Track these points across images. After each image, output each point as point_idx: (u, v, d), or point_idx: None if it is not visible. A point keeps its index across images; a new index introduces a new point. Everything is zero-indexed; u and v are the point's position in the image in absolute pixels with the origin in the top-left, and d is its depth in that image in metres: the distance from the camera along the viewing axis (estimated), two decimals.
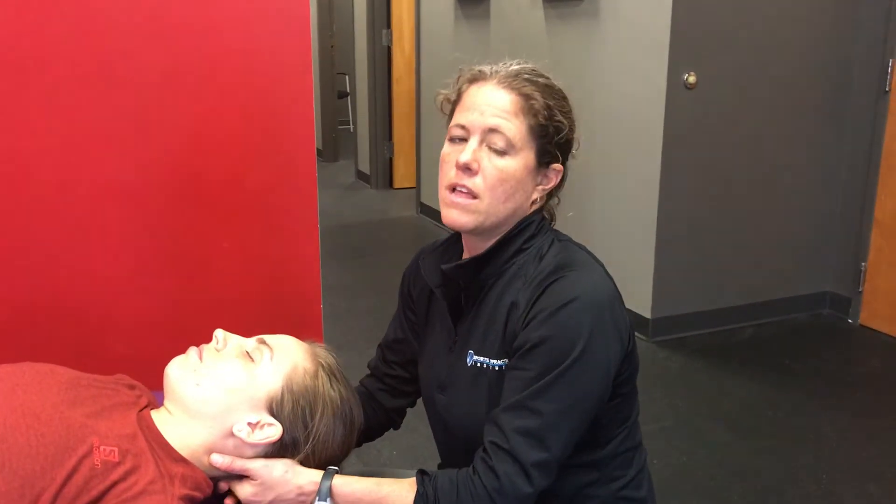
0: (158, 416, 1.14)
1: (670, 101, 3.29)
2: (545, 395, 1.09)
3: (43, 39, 1.44)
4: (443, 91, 1.25)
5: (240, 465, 1.13)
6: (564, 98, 1.21)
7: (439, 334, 1.31)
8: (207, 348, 1.17)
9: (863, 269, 3.69)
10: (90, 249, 1.54)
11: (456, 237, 1.31)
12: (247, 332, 1.23)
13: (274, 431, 1.13)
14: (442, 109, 1.25)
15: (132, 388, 1.23)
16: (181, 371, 1.14)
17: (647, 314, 3.53)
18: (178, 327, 1.61)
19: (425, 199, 5.76)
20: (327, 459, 1.18)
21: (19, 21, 1.42)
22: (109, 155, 1.52)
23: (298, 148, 1.66)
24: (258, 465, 1.14)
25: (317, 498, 1.12)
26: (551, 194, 1.25)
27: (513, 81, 1.17)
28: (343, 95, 8.11)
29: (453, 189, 1.17)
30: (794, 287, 3.81)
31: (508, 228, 1.20)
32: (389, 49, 6.36)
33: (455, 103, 1.22)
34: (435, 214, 5.44)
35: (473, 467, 1.11)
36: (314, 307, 1.74)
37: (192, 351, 1.16)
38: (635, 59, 3.44)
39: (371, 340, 1.49)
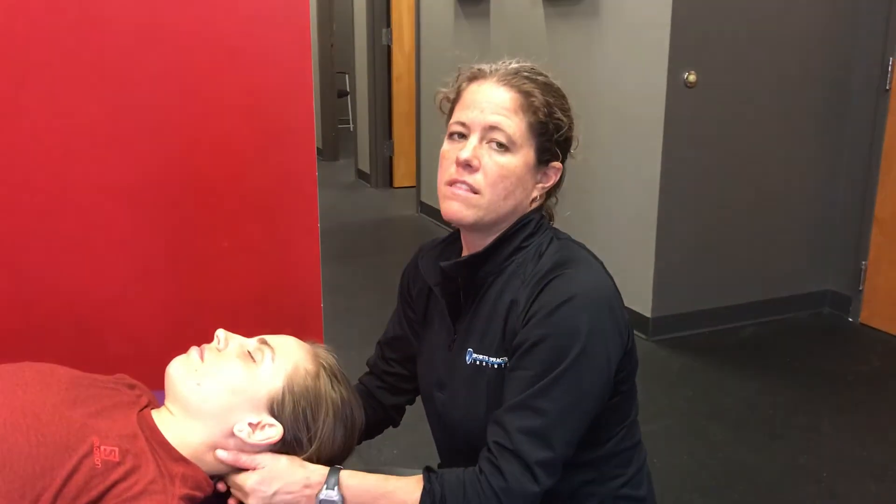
0: (159, 416, 1.14)
1: (670, 100, 3.29)
2: (548, 394, 1.09)
3: (43, 39, 1.44)
4: (442, 89, 1.25)
5: (246, 458, 1.13)
6: (563, 96, 1.21)
7: (438, 332, 1.31)
8: (209, 348, 1.17)
9: (863, 267, 3.69)
10: (90, 249, 1.54)
11: (455, 235, 1.31)
12: (247, 331, 1.23)
13: (275, 432, 1.13)
14: (441, 108, 1.26)
15: (132, 387, 1.22)
16: (182, 371, 1.14)
17: (648, 313, 3.53)
18: (178, 326, 1.61)
19: (425, 198, 5.75)
20: (328, 460, 1.18)
21: (19, 21, 1.42)
22: (110, 155, 1.52)
23: (298, 147, 1.66)
24: (264, 456, 1.14)
25: (324, 487, 1.11)
26: (550, 193, 1.25)
27: (512, 79, 1.17)
28: (343, 94, 8.11)
29: (453, 184, 1.17)
30: (794, 286, 3.81)
31: (508, 226, 1.20)
32: (389, 48, 6.36)
33: (455, 101, 1.22)
34: (435, 213, 5.43)
35: (479, 467, 1.11)
36: (314, 306, 1.74)
37: (194, 351, 1.16)
38: (635, 58, 3.43)
39: (371, 340, 1.49)
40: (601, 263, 1.21)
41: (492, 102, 1.16)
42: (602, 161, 3.67)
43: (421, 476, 1.12)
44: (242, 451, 1.13)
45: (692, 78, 3.29)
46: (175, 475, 1.07)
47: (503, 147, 1.15)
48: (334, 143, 7.65)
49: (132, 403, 1.16)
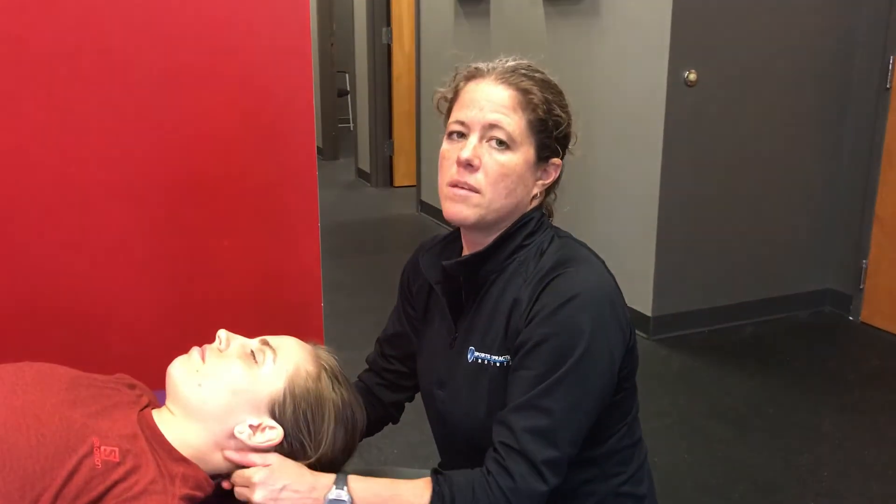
0: (159, 416, 1.14)
1: (671, 99, 3.29)
2: (552, 393, 1.09)
3: (43, 39, 1.43)
4: (439, 89, 1.25)
5: (254, 456, 1.12)
6: (561, 92, 1.21)
7: (439, 330, 1.31)
8: (210, 349, 1.17)
9: (864, 266, 3.69)
10: (91, 248, 1.54)
11: (455, 234, 1.31)
12: (247, 330, 1.23)
13: (275, 434, 1.13)
14: (438, 108, 1.25)
15: (133, 387, 1.22)
16: (183, 371, 1.13)
17: (648, 312, 3.52)
18: (178, 326, 1.61)
19: (425, 198, 5.75)
20: (329, 462, 1.18)
21: (19, 21, 1.41)
22: (110, 154, 1.52)
23: (298, 146, 1.66)
24: (272, 455, 1.13)
25: (333, 486, 1.10)
26: (549, 190, 1.25)
27: (510, 77, 1.17)
28: (343, 93, 8.10)
29: (454, 185, 1.17)
30: (795, 284, 3.81)
31: (509, 224, 1.20)
32: (389, 47, 6.36)
33: (452, 101, 1.22)
34: (435, 212, 5.43)
35: (487, 468, 1.10)
36: (314, 305, 1.74)
37: (195, 351, 1.16)
38: (636, 57, 3.43)
39: (372, 339, 1.49)
40: (602, 262, 1.21)
41: (490, 101, 1.15)
42: (602, 160, 3.67)
43: (428, 479, 1.12)
44: (243, 452, 1.13)
45: (692, 77, 3.28)
46: (175, 475, 1.07)
47: (503, 145, 1.15)
48: (334, 143, 7.65)
49: (132, 403, 1.16)
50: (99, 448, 1.02)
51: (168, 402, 1.15)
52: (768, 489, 2.43)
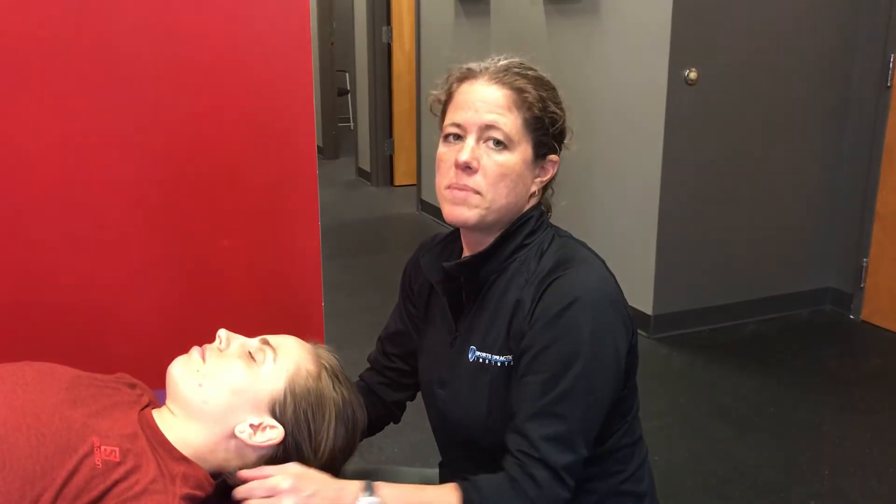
0: (160, 416, 1.14)
1: (671, 98, 3.29)
2: (566, 399, 1.10)
3: (43, 39, 1.43)
4: (433, 92, 1.25)
5: (271, 468, 1.10)
6: (555, 88, 1.21)
7: (439, 329, 1.31)
8: (210, 348, 1.17)
9: (864, 264, 3.69)
10: (91, 248, 1.54)
11: (455, 234, 1.31)
12: (247, 330, 1.23)
13: (276, 434, 1.13)
14: (432, 110, 1.25)
15: (133, 386, 1.22)
16: (184, 371, 1.13)
17: (649, 311, 3.52)
18: (178, 325, 1.61)
19: (426, 196, 5.75)
20: (330, 462, 1.18)
21: (19, 21, 1.41)
22: (110, 153, 1.51)
23: (299, 145, 1.66)
24: (293, 465, 1.11)
25: (362, 492, 1.07)
26: (546, 185, 1.25)
27: (504, 76, 1.16)
28: (343, 93, 8.10)
29: (453, 187, 1.16)
30: (795, 283, 3.81)
31: (509, 224, 1.20)
32: (389, 46, 6.35)
33: (446, 103, 1.21)
34: (436, 211, 5.43)
35: (511, 475, 1.10)
36: (315, 305, 1.74)
37: (195, 351, 1.16)
38: (636, 56, 3.43)
39: (372, 338, 1.49)
40: (602, 261, 1.21)
41: (485, 101, 1.15)
42: (603, 158, 3.67)
43: (455, 485, 1.11)
44: (243, 452, 1.13)
45: (693, 75, 3.28)
46: (176, 475, 1.07)
47: (501, 145, 1.15)
48: (335, 142, 7.65)
49: (133, 403, 1.16)
50: (99, 448, 1.02)
51: (168, 401, 1.15)
52: (769, 488, 2.43)
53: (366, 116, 6.64)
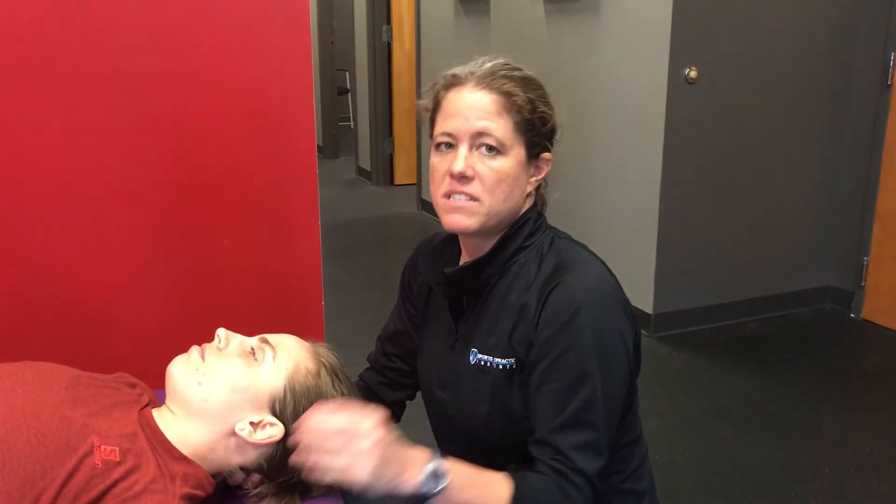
0: (160, 415, 1.14)
1: (671, 96, 3.28)
2: (589, 407, 1.10)
3: (43, 39, 1.43)
4: (419, 101, 1.24)
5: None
6: (542, 86, 1.20)
7: (439, 331, 1.31)
8: (210, 347, 1.17)
9: (865, 263, 3.69)
10: (91, 247, 1.54)
11: (453, 235, 1.31)
12: (248, 330, 1.22)
13: (276, 431, 1.13)
14: (419, 116, 1.24)
15: (133, 386, 1.22)
16: (183, 370, 1.13)
17: (649, 310, 3.52)
18: (178, 325, 1.60)
19: (426, 196, 5.75)
20: None
21: (19, 21, 1.41)
22: (110, 153, 1.51)
23: (299, 145, 1.66)
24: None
25: (435, 456, 1.03)
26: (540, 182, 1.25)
27: (491, 81, 1.15)
28: (343, 92, 8.10)
29: (451, 196, 1.16)
30: (796, 282, 3.81)
31: (508, 226, 1.20)
32: (390, 45, 6.35)
33: (434, 111, 1.20)
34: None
35: (558, 482, 1.09)
36: (315, 304, 1.74)
37: (195, 350, 1.16)
38: (636, 54, 3.43)
39: (372, 338, 1.49)
40: (602, 262, 1.21)
41: (475, 108, 1.14)
42: (603, 157, 3.67)
43: (505, 474, 1.10)
44: (244, 450, 1.13)
45: (693, 74, 3.28)
46: (176, 474, 1.07)
47: (494, 150, 1.14)
48: (335, 141, 7.65)
49: (133, 402, 1.16)
50: (99, 447, 1.02)
51: (168, 400, 1.15)
52: (769, 487, 2.43)
53: (366, 115, 6.64)
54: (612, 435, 1.15)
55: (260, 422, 1.13)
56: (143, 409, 1.15)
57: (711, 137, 3.43)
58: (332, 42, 7.30)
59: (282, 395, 1.14)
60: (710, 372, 3.25)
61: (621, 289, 1.19)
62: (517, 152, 1.16)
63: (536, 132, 1.18)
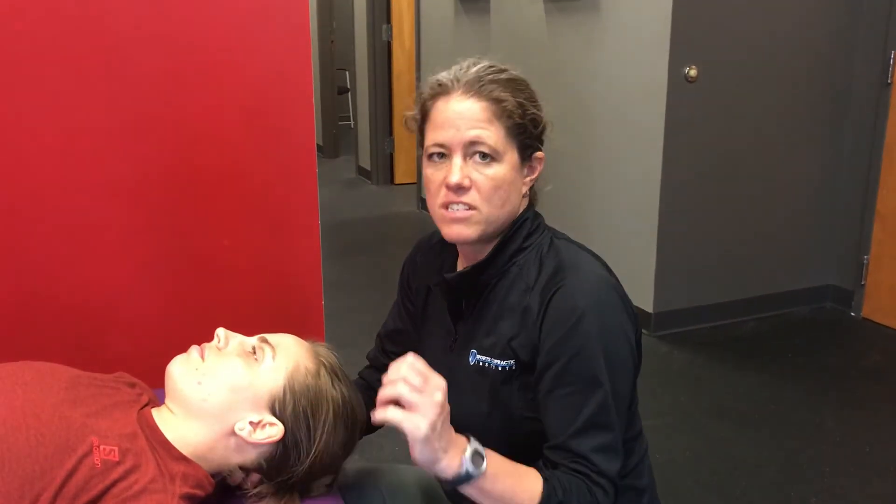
0: (159, 415, 1.14)
1: (671, 95, 3.28)
2: (603, 410, 1.11)
3: (43, 39, 1.43)
4: (406, 112, 1.23)
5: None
6: (529, 86, 1.19)
7: (437, 331, 1.31)
8: (209, 347, 1.17)
9: (865, 262, 3.69)
10: (90, 247, 1.54)
11: None
12: (248, 330, 1.22)
13: (276, 431, 1.13)
14: (408, 127, 1.23)
15: (132, 386, 1.22)
16: (183, 370, 1.13)
17: (650, 308, 3.52)
18: (178, 325, 1.61)
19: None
20: (329, 459, 1.18)
21: (19, 21, 1.41)
22: (109, 153, 1.51)
23: (299, 144, 1.66)
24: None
25: (471, 442, 1.04)
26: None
27: (479, 88, 1.14)
28: (343, 91, 8.10)
29: (448, 206, 1.16)
30: (796, 281, 3.81)
31: (506, 229, 1.20)
32: (389, 44, 6.35)
33: (423, 121, 1.19)
34: None
35: (586, 483, 1.09)
36: (315, 304, 1.74)
37: (194, 350, 1.16)
38: (636, 53, 3.43)
39: (372, 337, 1.49)
40: (602, 261, 1.21)
41: (465, 118, 1.13)
42: (603, 156, 3.66)
43: (535, 469, 1.10)
44: (243, 450, 1.13)
45: (693, 73, 3.28)
46: (175, 474, 1.07)
47: (488, 157, 1.14)
48: (335, 140, 7.65)
49: (132, 402, 1.16)
50: (98, 447, 1.02)
51: (168, 400, 1.15)
52: (769, 486, 2.43)
53: (366, 115, 6.64)
54: (623, 433, 1.15)
55: (259, 421, 1.13)
56: (142, 408, 1.15)
57: (711, 137, 3.43)
58: (332, 41, 7.30)
59: (281, 394, 1.14)
60: (710, 371, 3.25)
61: (621, 286, 1.19)
62: (511, 157, 1.16)
63: (528, 134, 1.17)
